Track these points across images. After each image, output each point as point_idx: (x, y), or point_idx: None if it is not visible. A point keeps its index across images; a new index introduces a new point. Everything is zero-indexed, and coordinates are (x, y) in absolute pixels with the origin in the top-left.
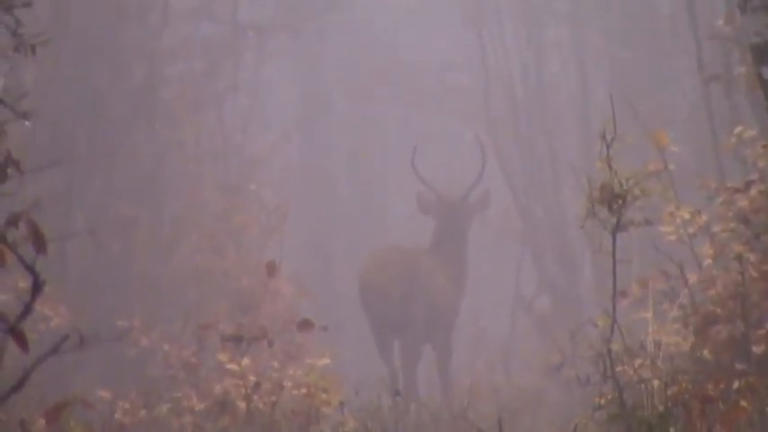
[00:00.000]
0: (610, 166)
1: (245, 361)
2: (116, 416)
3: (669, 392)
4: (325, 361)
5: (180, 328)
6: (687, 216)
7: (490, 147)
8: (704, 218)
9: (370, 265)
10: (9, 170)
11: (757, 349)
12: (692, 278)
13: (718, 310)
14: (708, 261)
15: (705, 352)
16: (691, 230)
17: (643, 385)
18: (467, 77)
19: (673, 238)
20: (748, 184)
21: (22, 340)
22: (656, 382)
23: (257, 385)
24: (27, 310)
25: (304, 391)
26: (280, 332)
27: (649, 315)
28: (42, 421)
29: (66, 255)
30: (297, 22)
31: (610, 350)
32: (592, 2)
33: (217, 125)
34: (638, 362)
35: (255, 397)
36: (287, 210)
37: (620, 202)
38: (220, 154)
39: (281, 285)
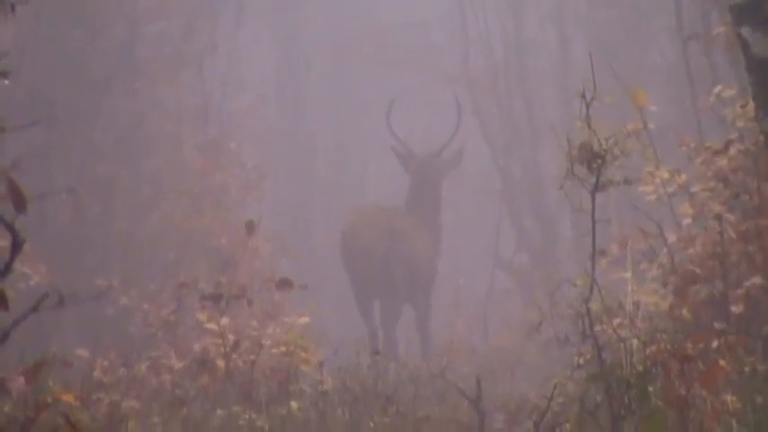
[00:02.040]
0: (589, 126)
1: (224, 320)
2: (95, 374)
3: (648, 352)
4: (305, 320)
5: (159, 287)
6: (666, 176)
7: (469, 106)
8: (683, 177)
9: (351, 223)
10: None
11: (736, 309)
12: (672, 238)
13: (698, 270)
14: (687, 221)
15: (684, 311)
16: (670, 190)
17: (622, 345)
18: (445, 36)
19: (652, 197)
20: (728, 144)
21: (1, 299)
22: (634, 342)
23: (236, 344)
24: (6, 268)
25: (283, 349)
26: (259, 291)
27: (628, 275)
28: (21, 379)
29: (46, 213)
30: None
31: (589, 310)
32: None
33: (196, 85)
34: (616, 321)
35: (234, 356)
36: (266, 168)
37: (600, 161)
38: (199, 113)
39: (260, 244)
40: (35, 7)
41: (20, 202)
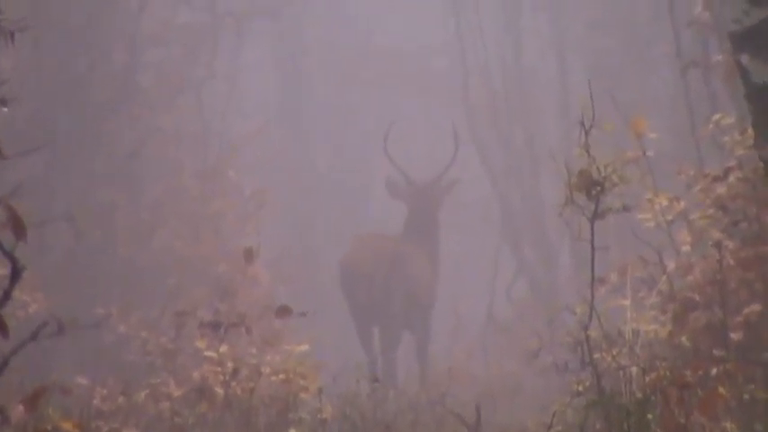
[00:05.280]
0: (588, 153)
1: (223, 347)
2: (94, 402)
3: (647, 379)
4: (304, 347)
5: (158, 315)
6: (665, 203)
7: (468, 133)
8: (682, 205)
9: (352, 252)
10: None
11: (735, 336)
12: (671, 265)
13: (697, 297)
14: (686, 248)
15: (683, 339)
16: (669, 217)
17: (621, 372)
18: (446, 62)
19: (651, 225)
20: (726, 172)
21: (1, 326)
22: (634, 369)
23: (235, 372)
24: (6, 296)
25: (282, 377)
26: (258, 318)
27: (628, 302)
28: (21, 408)
29: (46, 241)
30: (276, 6)
31: (588, 337)
32: None
33: (196, 111)
34: (616, 349)
35: (233, 383)
36: (265, 195)
37: (599, 188)
38: (199, 139)
39: (258, 272)
40: (35, 34)
41: (19, 230)
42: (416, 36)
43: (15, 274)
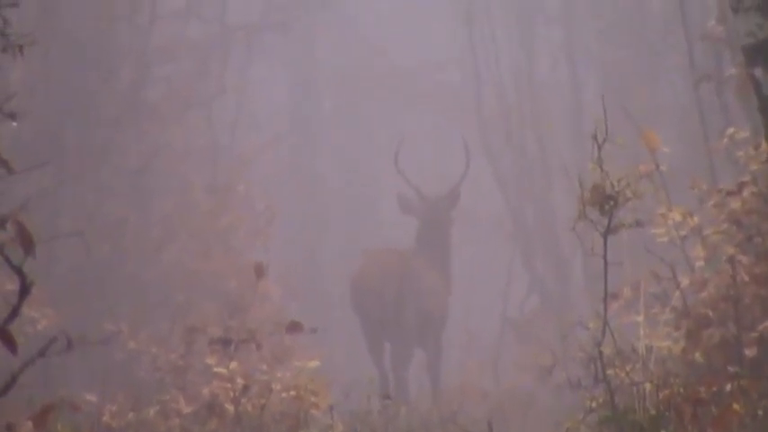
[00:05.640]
0: (601, 168)
1: (233, 364)
2: (104, 419)
3: (661, 396)
4: (314, 363)
5: (167, 331)
6: (679, 218)
7: (481, 147)
8: (696, 219)
9: (363, 267)
10: None
11: (749, 352)
12: (684, 281)
13: (710, 313)
14: (700, 263)
15: (697, 355)
16: (682, 232)
17: (634, 388)
18: (457, 76)
19: (664, 240)
20: (740, 186)
21: (10, 342)
22: (647, 386)
23: (245, 388)
24: (14, 312)
25: (293, 393)
26: (268, 334)
27: (641, 318)
28: (30, 424)
29: (54, 256)
30: (286, 20)
31: (601, 353)
32: (583, 1)
33: (205, 125)
34: (629, 365)
35: (244, 400)
36: (275, 210)
37: (612, 203)
38: (209, 154)
39: (269, 287)
40: (43, 48)
41: (28, 245)
42: (427, 50)
43: (24, 290)
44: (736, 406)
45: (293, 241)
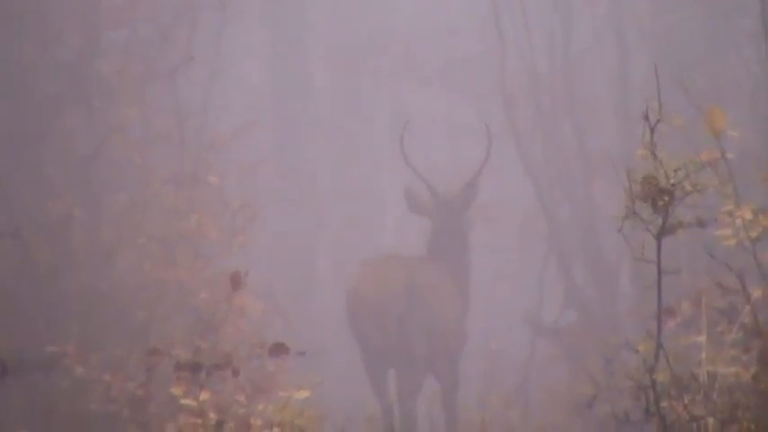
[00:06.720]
0: (654, 155)
1: (205, 394)
2: None
3: None
4: (303, 394)
5: (124, 354)
6: (749, 216)
7: (506, 132)
8: None
9: (362, 278)
10: None
11: None
12: (756, 293)
13: None
14: None
15: None
16: (753, 234)
17: (695, 424)
18: (476, 46)
19: (731, 243)
20: None
21: None
22: (710, 421)
23: (219, 424)
24: None
25: (276, 431)
26: (247, 358)
27: (702, 338)
28: None
29: None
30: None
31: (654, 381)
32: None
33: (169, 104)
34: (688, 396)
35: None
36: (254, 208)
37: (667, 198)
38: (174, 139)
39: (247, 301)
40: None
41: None
42: (440, 17)
43: None
44: None
45: (277, 246)
